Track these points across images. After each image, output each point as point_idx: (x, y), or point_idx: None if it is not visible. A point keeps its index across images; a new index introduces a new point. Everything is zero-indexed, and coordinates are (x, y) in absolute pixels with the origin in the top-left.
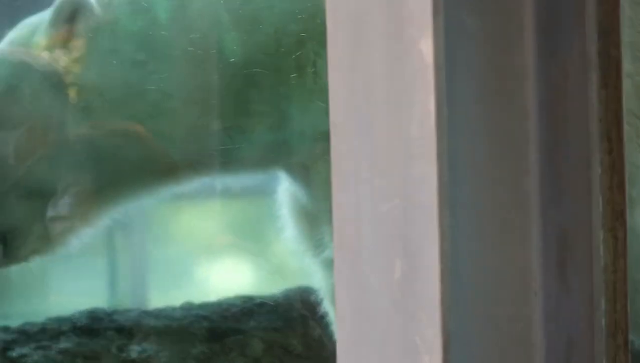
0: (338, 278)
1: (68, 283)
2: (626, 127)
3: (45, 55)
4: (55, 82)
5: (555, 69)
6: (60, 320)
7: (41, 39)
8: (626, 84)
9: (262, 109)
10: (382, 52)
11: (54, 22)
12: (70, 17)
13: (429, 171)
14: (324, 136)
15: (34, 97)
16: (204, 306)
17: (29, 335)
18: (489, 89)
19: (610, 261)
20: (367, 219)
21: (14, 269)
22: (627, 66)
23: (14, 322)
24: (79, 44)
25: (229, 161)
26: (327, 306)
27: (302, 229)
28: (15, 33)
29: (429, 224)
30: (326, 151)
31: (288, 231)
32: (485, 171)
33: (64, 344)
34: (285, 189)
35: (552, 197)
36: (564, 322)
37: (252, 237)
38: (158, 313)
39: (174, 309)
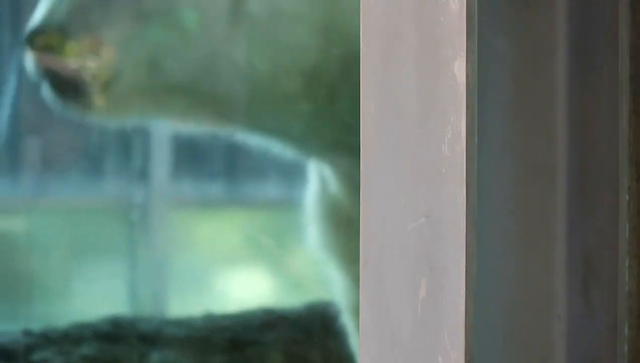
0: (363, 295)
1: (90, 286)
2: None
3: None
4: None
5: (585, 92)
6: (82, 326)
7: None
8: None
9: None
10: (414, 71)
11: None
12: None
13: (457, 191)
14: None
15: None
16: (226, 317)
17: (50, 339)
18: (519, 112)
19: (635, 288)
20: (393, 237)
21: (37, 270)
22: None
23: (36, 325)
24: None
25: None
26: (348, 321)
27: (329, 240)
28: None
29: (455, 245)
30: None
31: (313, 243)
32: (513, 194)
33: (85, 350)
34: (314, 198)
35: (579, 221)
36: (586, 347)
37: (276, 247)
38: (179, 322)
39: (195, 319)
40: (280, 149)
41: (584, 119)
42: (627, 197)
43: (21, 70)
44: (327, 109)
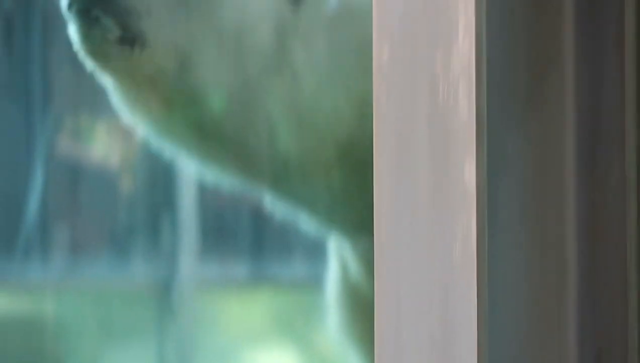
0: None
1: None
2: None
3: None
4: None
5: (593, 194)
6: None
7: None
8: None
9: None
10: (426, 175)
11: None
12: None
13: (469, 295)
14: None
15: None
16: None
17: None
18: (528, 214)
19: None
20: (406, 341)
21: (66, 352)
22: None
23: None
24: None
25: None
26: None
27: (349, 324)
28: None
29: (467, 349)
30: None
31: (334, 326)
32: (523, 297)
33: None
34: (334, 279)
35: (590, 320)
36: None
37: (300, 329)
38: None
39: None
40: (304, 220)
41: (592, 220)
42: (635, 294)
43: (49, 154)
44: (356, 185)
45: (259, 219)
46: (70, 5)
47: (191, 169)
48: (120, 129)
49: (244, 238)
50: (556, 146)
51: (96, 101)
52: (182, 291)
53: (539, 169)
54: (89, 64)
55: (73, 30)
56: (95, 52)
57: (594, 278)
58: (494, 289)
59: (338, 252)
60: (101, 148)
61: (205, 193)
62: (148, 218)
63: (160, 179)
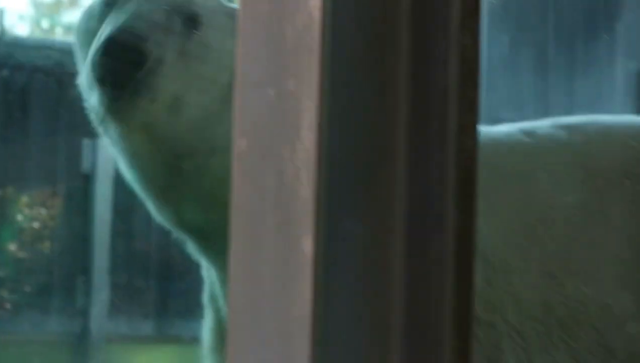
0: None
1: None
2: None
3: None
4: None
5: (418, 267)
6: None
7: None
8: None
9: None
10: (272, 245)
11: None
12: None
13: (304, 349)
14: None
15: None
16: None
17: None
18: (361, 283)
19: None
20: None
21: None
22: None
23: None
24: None
25: None
26: None
27: None
28: None
29: None
30: None
31: None
32: (354, 353)
33: None
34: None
35: None
36: None
37: None
38: None
39: None
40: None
41: (416, 289)
42: (449, 355)
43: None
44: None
45: (165, 282)
46: (101, 79)
47: (105, 238)
48: (42, 199)
49: (150, 300)
50: (387, 226)
51: (22, 176)
52: (93, 345)
53: (371, 245)
54: (104, 122)
55: (97, 99)
56: (121, 114)
57: (415, 342)
58: (327, 346)
59: (212, 301)
60: (24, 215)
61: (116, 258)
62: (64, 280)
63: (77, 245)
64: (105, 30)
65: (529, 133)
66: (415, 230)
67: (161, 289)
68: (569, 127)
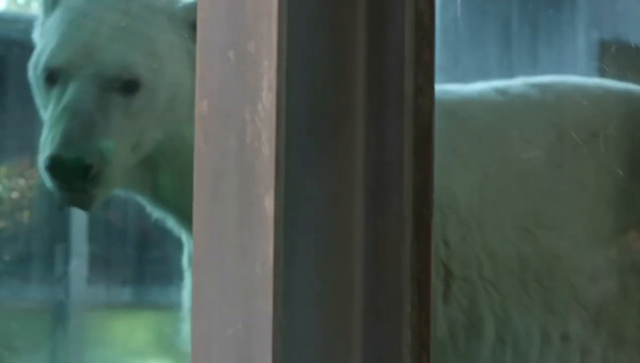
0: None
1: None
2: None
3: None
4: None
5: (378, 223)
6: None
7: None
8: None
9: None
10: (234, 204)
11: None
12: None
13: (266, 304)
14: None
15: None
16: None
17: None
18: (323, 239)
19: None
20: (216, 340)
21: None
22: None
23: None
24: None
25: None
26: None
27: None
28: None
29: (264, 348)
30: None
31: None
32: (316, 307)
33: None
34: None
35: (372, 329)
36: None
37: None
38: None
39: None
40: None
41: (376, 244)
42: (409, 309)
43: None
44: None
45: (141, 251)
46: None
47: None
48: (20, 170)
49: (128, 267)
50: (347, 184)
51: (0, 148)
52: (73, 312)
53: (332, 203)
54: None
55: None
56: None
57: (376, 297)
58: (288, 301)
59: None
60: (3, 186)
61: (94, 226)
62: (44, 248)
63: (55, 215)
64: (46, 144)
65: (501, 92)
66: (375, 188)
67: (138, 256)
68: (541, 87)
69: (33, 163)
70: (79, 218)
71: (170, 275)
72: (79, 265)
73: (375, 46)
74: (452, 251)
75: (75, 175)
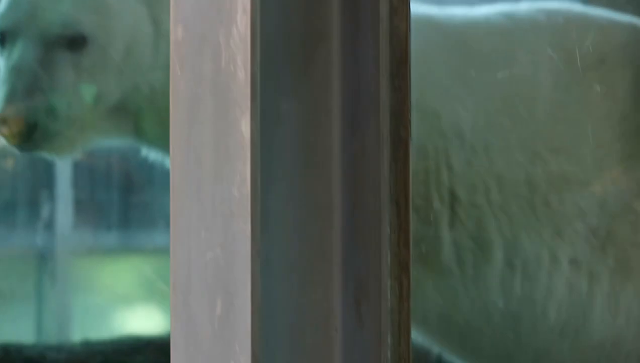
0: (173, 312)
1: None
2: None
3: None
4: None
5: (355, 145)
6: None
7: None
8: None
9: None
10: (211, 128)
11: None
12: None
13: (244, 227)
14: None
15: None
16: (100, 342)
17: None
18: (300, 162)
19: (396, 304)
20: (195, 265)
21: None
22: None
23: None
24: None
25: None
26: None
27: None
28: None
29: (243, 271)
30: None
31: None
32: (295, 229)
33: None
34: None
35: (351, 250)
36: (358, 354)
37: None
38: (60, 348)
39: (74, 344)
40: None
41: (354, 166)
42: (388, 230)
43: None
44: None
45: (127, 195)
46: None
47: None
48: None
49: (113, 213)
50: (324, 106)
51: None
52: (59, 257)
53: (309, 125)
54: None
55: None
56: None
57: (356, 216)
58: (266, 224)
59: None
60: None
61: (80, 172)
62: (29, 194)
63: (39, 161)
64: None
65: (508, 15)
66: (351, 109)
67: (123, 201)
68: (547, 12)
69: None
70: (63, 164)
71: (155, 219)
72: (64, 211)
73: None
74: (458, 176)
75: (19, 133)
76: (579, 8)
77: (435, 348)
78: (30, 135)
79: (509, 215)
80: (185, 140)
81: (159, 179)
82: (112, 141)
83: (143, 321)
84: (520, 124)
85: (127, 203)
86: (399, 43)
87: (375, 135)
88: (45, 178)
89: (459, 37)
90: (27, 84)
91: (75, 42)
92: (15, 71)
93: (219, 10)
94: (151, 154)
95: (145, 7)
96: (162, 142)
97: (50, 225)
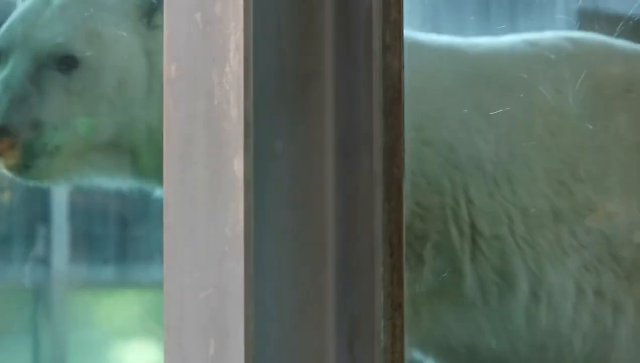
0: (166, 352)
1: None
2: None
3: None
4: None
5: (349, 184)
6: None
7: None
8: None
9: None
10: (204, 167)
11: None
12: None
13: (238, 266)
14: None
15: None
16: None
17: None
18: (294, 200)
19: (390, 345)
20: (189, 304)
21: None
22: None
23: None
24: None
25: None
26: None
27: None
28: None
29: (236, 311)
30: None
31: None
32: (288, 268)
33: None
34: None
35: (345, 290)
36: None
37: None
38: None
39: None
40: None
41: (347, 206)
42: (382, 269)
43: None
44: None
45: (123, 229)
46: None
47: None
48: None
49: (110, 246)
50: (318, 145)
51: None
52: (56, 292)
53: (303, 164)
54: None
55: None
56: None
57: (349, 256)
58: (260, 264)
59: None
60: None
61: (75, 206)
62: (25, 228)
63: (35, 194)
64: None
65: (532, 44)
66: (345, 148)
67: (120, 235)
68: (572, 40)
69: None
70: (59, 197)
71: (152, 253)
72: (60, 245)
73: (342, 4)
74: (478, 209)
75: (12, 153)
76: (603, 38)
77: None
78: (24, 155)
79: (533, 246)
80: (178, 179)
81: (155, 212)
82: (111, 179)
83: (139, 356)
84: (544, 154)
85: (123, 237)
86: (392, 81)
87: (368, 174)
88: (41, 212)
89: (479, 67)
90: (14, 99)
91: (66, 63)
92: (3, 87)
93: (212, 48)
94: (148, 190)
95: (139, 40)
96: (160, 180)
97: (45, 259)
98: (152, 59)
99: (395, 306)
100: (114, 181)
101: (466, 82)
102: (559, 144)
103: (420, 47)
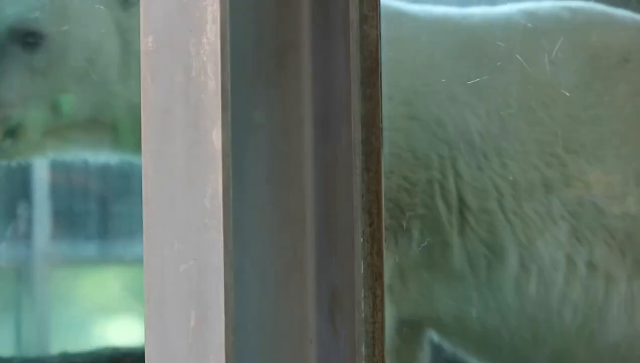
0: (147, 325)
1: None
2: None
3: None
4: None
5: (328, 154)
6: None
7: None
8: None
9: None
10: (182, 139)
11: None
12: None
13: (217, 238)
14: None
15: None
16: (78, 355)
17: None
18: (272, 171)
19: (370, 314)
20: (169, 276)
21: None
22: None
23: None
24: None
25: None
26: None
27: None
28: None
29: (217, 282)
30: None
31: None
32: (268, 238)
33: None
34: None
35: (325, 260)
36: None
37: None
38: (39, 361)
39: (52, 357)
40: None
41: (327, 176)
42: (361, 239)
43: None
44: None
45: (105, 206)
46: None
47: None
48: None
49: (92, 223)
50: (296, 115)
51: None
52: (38, 269)
53: (281, 134)
54: None
55: None
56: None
57: (328, 226)
58: (239, 235)
59: None
60: None
61: (57, 183)
62: (6, 205)
63: (17, 173)
64: None
65: (530, 13)
66: (323, 118)
67: (102, 212)
68: (571, 9)
69: None
70: (40, 175)
71: (134, 229)
72: (42, 222)
73: None
74: (467, 183)
75: None
76: (602, 7)
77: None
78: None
79: (523, 219)
80: (157, 151)
81: (137, 188)
82: (92, 153)
83: (122, 332)
84: (537, 126)
85: (105, 214)
86: (370, 51)
87: (347, 144)
88: (22, 190)
89: (473, 39)
90: None
91: (30, 39)
92: None
93: (189, 20)
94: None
95: (111, 16)
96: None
97: (27, 236)
98: (126, 36)
99: (375, 276)
100: (96, 156)
101: (457, 55)
102: (553, 116)
103: (413, 20)
